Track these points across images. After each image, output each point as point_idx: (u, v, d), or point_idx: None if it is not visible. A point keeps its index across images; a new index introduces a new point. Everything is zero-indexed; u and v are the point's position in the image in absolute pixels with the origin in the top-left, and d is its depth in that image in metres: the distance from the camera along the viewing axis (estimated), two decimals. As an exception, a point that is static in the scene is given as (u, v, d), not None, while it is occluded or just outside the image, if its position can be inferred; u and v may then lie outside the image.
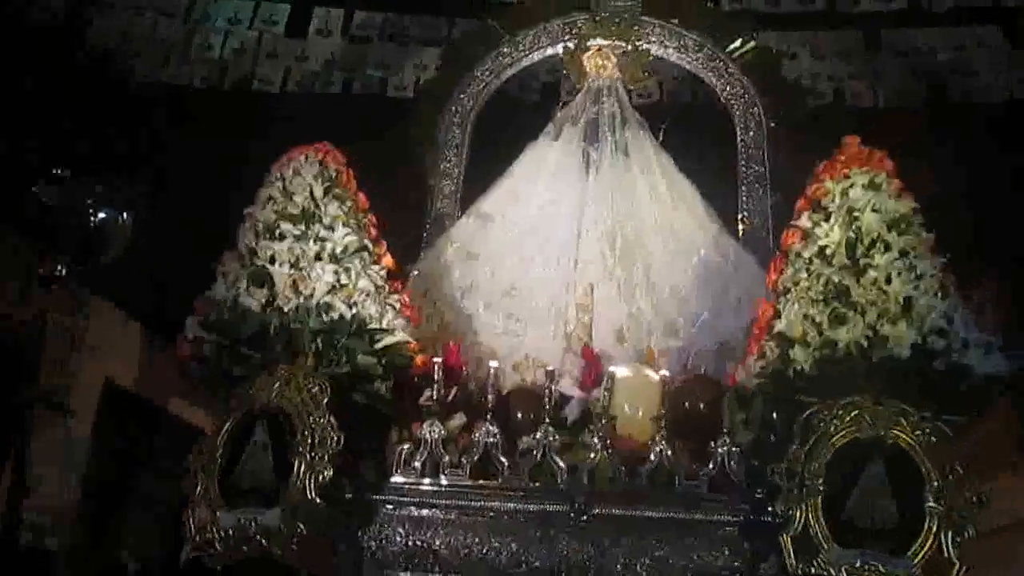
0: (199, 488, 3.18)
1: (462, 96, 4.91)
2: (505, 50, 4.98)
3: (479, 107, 4.93)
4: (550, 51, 4.99)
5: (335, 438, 3.10)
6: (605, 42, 4.82)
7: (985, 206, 5.22)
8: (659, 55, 4.86)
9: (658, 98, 5.83)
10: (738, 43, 4.66)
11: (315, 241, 3.38)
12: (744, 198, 4.54)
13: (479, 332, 4.10)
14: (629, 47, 4.80)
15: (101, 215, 1.75)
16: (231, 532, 3.08)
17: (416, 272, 4.27)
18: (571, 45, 4.82)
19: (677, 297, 4.11)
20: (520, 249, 4.27)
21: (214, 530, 3.09)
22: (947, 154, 5.22)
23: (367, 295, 3.37)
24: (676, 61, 4.90)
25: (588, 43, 4.82)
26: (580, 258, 4.19)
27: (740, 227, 4.48)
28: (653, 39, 4.87)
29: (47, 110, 4.93)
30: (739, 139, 4.67)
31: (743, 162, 4.62)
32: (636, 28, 4.84)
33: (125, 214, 1.81)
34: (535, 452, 3.36)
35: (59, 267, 1.77)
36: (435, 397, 3.49)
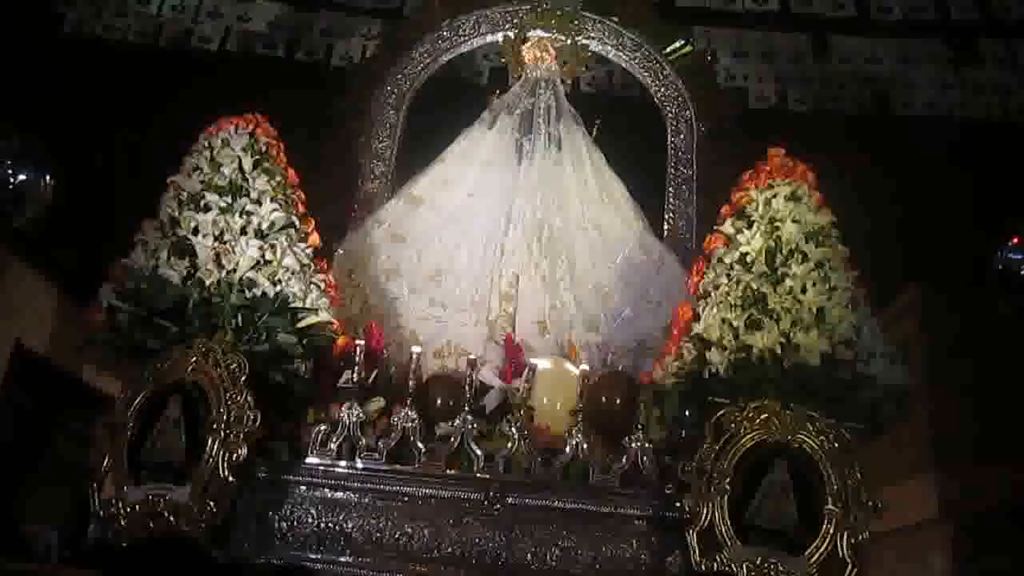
0: (106, 461, 3.09)
1: (399, 77, 4.87)
2: (445, 34, 4.96)
3: (415, 89, 4.89)
4: (490, 38, 4.99)
5: (252, 416, 3.06)
6: (545, 34, 4.85)
7: (912, 219, 5.38)
8: (597, 51, 4.90)
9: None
10: (676, 45, 4.73)
11: (241, 215, 3.32)
12: (671, 200, 4.64)
13: (402, 316, 4.09)
14: (568, 41, 4.83)
15: (21, 175, 1.67)
16: (138, 507, 3.01)
17: (341, 251, 4.23)
18: (511, 34, 4.82)
19: (599, 293, 4.17)
20: (447, 234, 4.27)
21: (120, 505, 3.01)
22: (882, 164, 5.34)
23: (292, 273, 3.33)
24: (613, 59, 4.97)
25: (528, 33, 4.83)
26: (506, 248, 4.21)
27: (665, 228, 4.57)
28: (593, 35, 4.92)
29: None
30: (669, 141, 4.76)
31: (672, 164, 4.71)
32: (576, 22, 4.88)
33: (47, 175, 1.73)
34: (453, 439, 3.38)
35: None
36: (355, 379, 3.47)
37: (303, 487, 3.35)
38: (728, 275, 3.25)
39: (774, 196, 3.34)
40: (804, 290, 3.14)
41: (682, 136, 4.76)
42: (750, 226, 3.32)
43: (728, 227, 3.39)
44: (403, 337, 4.02)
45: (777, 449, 3.03)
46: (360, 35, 5.95)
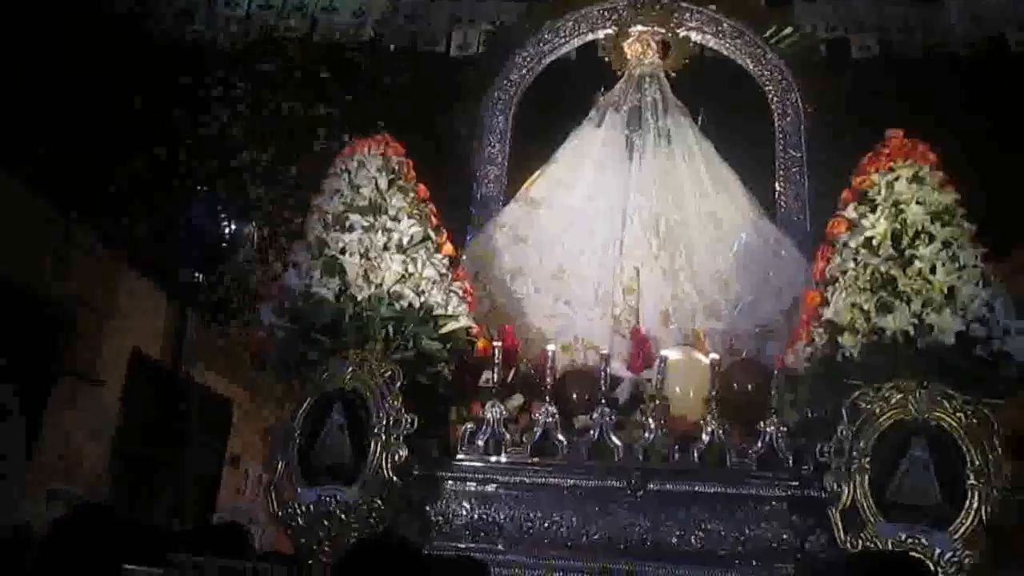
0: (279, 467, 3.37)
1: (505, 82, 5.04)
2: (546, 36, 5.10)
3: (521, 93, 5.05)
4: (590, 37, 5.11)
5: (409, 420, 3.29)
6: (644, 28, 4.94)
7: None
8: (698, 41, 4.97)
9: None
10: (785, 32, 4.76)
11: (383, 232, 3.54)
12: (781, 183, 4.69)
13: (529, 314, 4.28)
14: (668, 33, 4.92)
15: (232, 227, 1.89)
16: (312, 507, 3.28)
17: (465, 256, 4.43)
18: (611, 31, 4.93)
19: (719, 281, 4.27)
20: (567, 233, 4.43)
21: (296, 506, 3.29)
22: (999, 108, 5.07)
23: (433, 283, 3.54)
24: (714, 47, 5.02)
25: (628, 29, 4.94)
26: (625, 242, 4.34)
27: (778, 212, 4.63)
28: (692, 25, 4.98)
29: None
30: (776, 125, 4.81)
31: (780, 147, 4.76)
32: (675, 14, 4.96)
33: (253, 224, 1.94)
34: (591, 431, 3.56)
35: (196, 275, 1.92)
36: (495, 378, 3.68)
37: (456, 482, 3.58)
38: (855, 259, 3.32)
39: (896, 179, 3.38)
40: (933, 271, 3.18)
41: (789, 119, 4.80)
42: (874, 210, 3.37)
43: (851, 212, 3.45)
44: (531, 335, 4.21)
45: (915, 427, 3.10)
46: (446, 17, 5.66)
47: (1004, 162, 4.95)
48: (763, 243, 4.37)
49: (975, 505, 2.99)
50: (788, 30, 4.86)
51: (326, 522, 3.27)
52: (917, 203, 3.30)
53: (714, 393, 3.55)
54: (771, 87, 4.87)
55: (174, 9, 5.70)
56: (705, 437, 3.48)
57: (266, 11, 5.77)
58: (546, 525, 3.49)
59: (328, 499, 3.28)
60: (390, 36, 5.77)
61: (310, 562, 3.20)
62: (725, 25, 4.99)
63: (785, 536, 3.35)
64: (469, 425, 3.62)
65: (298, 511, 3.30)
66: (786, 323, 4.13)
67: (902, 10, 5.37)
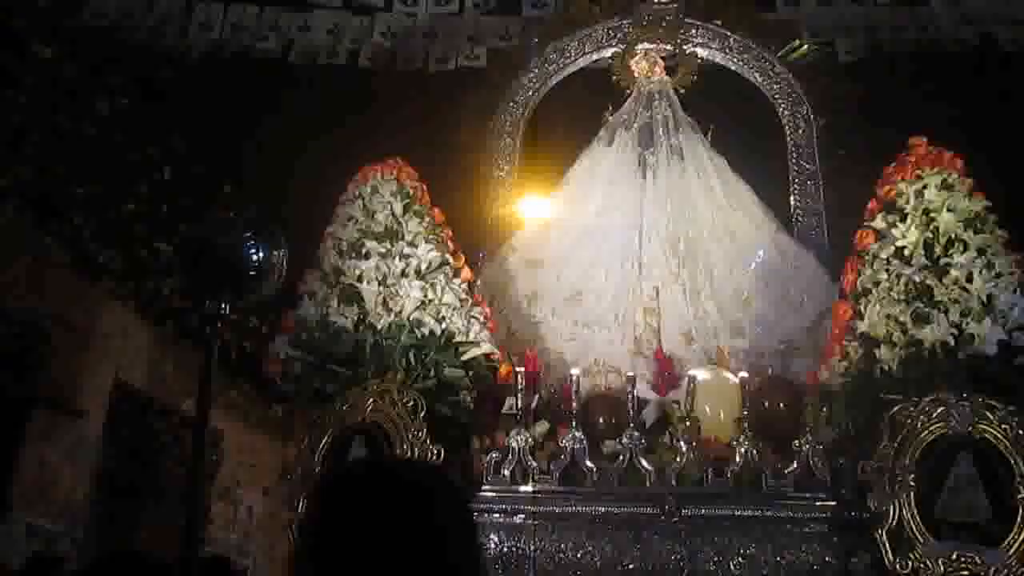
0: (300, 507, 3.24)
1: (511, 104, 4.98)
2: (552, 57, 5.05)
3: (528, 115, 4.99)
4: (595, 56, 5.06)
5: (434, 452, 3.18)
6: (651, 46, 4.89)
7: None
8: (705, 56, 4.92)
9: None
10: (793, 45, 4.72)
11: (400, 258, 3.45)
12: (797, 196, 4.63)
13: (547, 338, 4.18)
14: (675, 50, 4.87)
15: (261, 253, 1.80)
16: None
17: (480, 281, 4.34)
18: (618, 50, 4.88)
19: (740, 298, 4.19)
20: (582, 254, 4.35)
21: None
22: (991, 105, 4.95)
23: (453, 309, 3.44)
24: (721, 62, 4.97)
25: (635, 47, 4.89)
26: (644, 261, 4.26)
27: (795, 226, 4.56)
28: (698, 41, 4.94)
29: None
30: (788, 138, 4.75)
31: (794, 160, 4.70)
32: (681, 31, 4.91)
33: (281, 251, 1.86)
34: (621, 456, 3.45)
35: (223, 306, 1.83)
36: (519, 405, 3.57)
37: (482, 514, 3.45)
38: (887, 270, 3.24)
39: (924, 187, 3.32)
40: (970, 279, 3.11)
41: (801, 131, 4.75)
42: (903, 219, 3.30)
43: (879, 222, 3.37)
44: (550, 359, 4.10)
45: (959, 441, 3.00)
46: (422, 33, 5.61)
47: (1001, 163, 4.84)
48: (782, 258, 4.29)
49: (1027, 520, 2.88)
50: (797, 42, 4.81)
51: None
52: (948, 210, 3.23)
53: (745, 412, 3.45)
54: (781, 100, 4.82)
55: (148, 23, 5.63)
56: (738, 459, 3.37)
57: (240, 32, 5.70)
58: (578, 556, 3.37)
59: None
60: (367, 55, 5.71)
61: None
62: (731, 40, 4.95)
63: (828, 559, 3.23)
64: (494, 454, 3.50)
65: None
66: (810, 338, 4.05)
67: (889, 12, 5.34)
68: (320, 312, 3.41)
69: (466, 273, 3.68)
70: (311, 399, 3.46)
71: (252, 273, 1.93)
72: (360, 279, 3.41)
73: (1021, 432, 2.97)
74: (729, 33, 4.95)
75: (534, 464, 3.48)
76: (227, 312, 1.92)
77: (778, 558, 3.26)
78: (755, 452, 3.37)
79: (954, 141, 3.66)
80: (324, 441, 3.32)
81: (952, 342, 3.05)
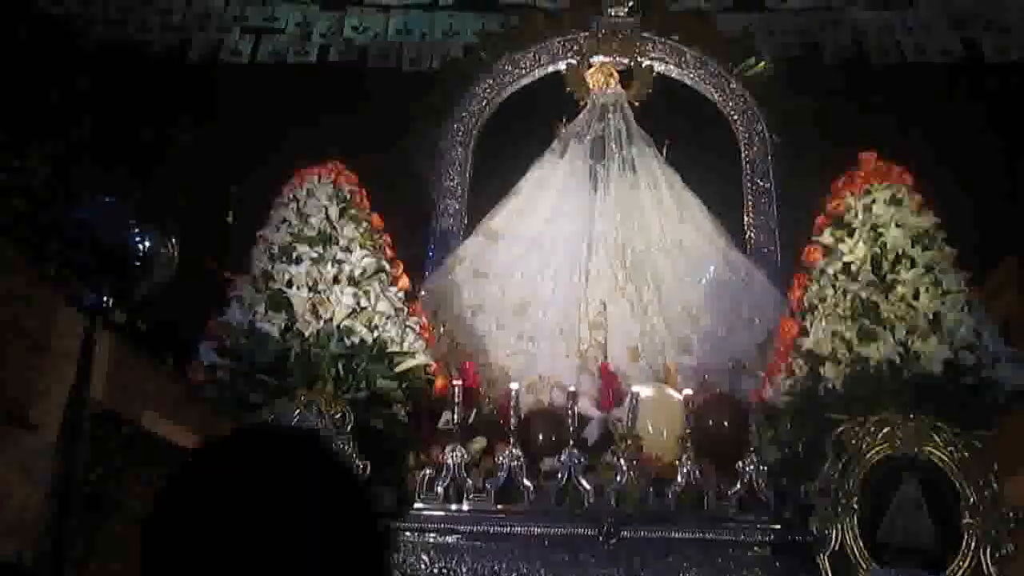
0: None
1: (464, 115, 4.87)
2: (506, 68, 4.96)
3: (480, 125, 4.89)
4: (551, 68, 4.97)
5: (361, 465, 3.03)
6: (607, 59, 4.82)
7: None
8: (661, 71, 4.86)
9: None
10: (749, 63, 4.67)
11: (333, 264, 3.31)
12: (750, 213, 4.55)
13: (491, 352, 4.05)
14: (631, 63, 4.80)
15: (147, 243, 1.66)
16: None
17: (424, 292, 4.20)
18: (573, 62, 4.80)
19: (689, 314, 4.09)
20: (529, 267, 4.23)
21: None
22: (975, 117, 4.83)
23: (387, 318, 3.30)
24: (677, 77, 4.90)
25: (590, 60, 4.81)
26: (591, 275, 4.15)
27: (747, 242, 4.48)
28: (654, 55, 4.88)
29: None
30: (743, 154, 4.69)
31: (748, 177, 4.64)
32: (637, 44, 4.85)
33: (172, 242, 1.71)
34: (560, 474, 3.32)
35: (106, 299, 1.68)
36: (455, 420, 3.43)
37: (414, 533, 3.31)
38: (833, 286, 3.15)
39: (873, 201, 3.24)
40: (917, 296, 3.03)
41: (755, 148, 4.69)
42: (851, 234, 3.22)
43: (827, 237, 3.29)
44: (493, 373, 3.97)
45: (904, 463, 2.91)
46: (395, 30, 5.45)
47: (981, 175, 4.77)
48: (733, 274, 4.20)
49: (972, 546, 2.79)
50: (752, 60, 4.76)
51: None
52: (897, 226, 3.16)
53: (688, 431, 3.33)
54: (736, 116, 4.76)
55: (108, 16, 5.45)
56: (680, 479, 3.25)
57: (206, 23, 5.52)
58: (512, 578, 3.23)
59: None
60: (336, 52, 5.56)
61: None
62: (688, 55, 4.89)
63: (769, 584, 3.12)
64: (428, 471, 3.35)
65: None
66: (760, 357, 3.95)
67: (875, 16, 5.28)
68: (247, 318, 3.25)
69: (404, 281, 3.55)
70: (237, 409, 3.29)
71: (136, 264, 1.78)
72: (289, 284, 3.26)
73: (967, 454, 2.89)
74: (685, 48, 4.90)
75: (469, 482, 3.33)
76: (109, 305, 1.76)
77: (718, 582, 3.14)
78: (698, 472, 3.25)
79: (915, 155, 3.60)
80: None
81: (898, 360, 2.96)
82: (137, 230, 1.77)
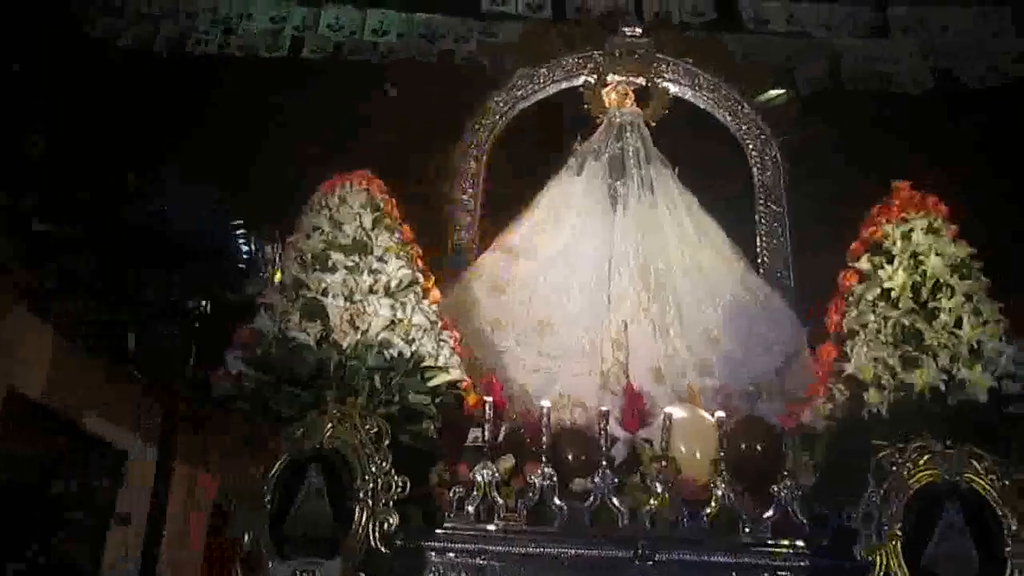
0: (246, 537, 2.95)
1: (477, 128, 4.83)
2: (520, 82, 4.93)
3: (494, 139, 4.85)
4: (565, 84, 4.97)
5: (399, 483, 2.93)
6: (622, 78, 4.82)
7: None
8: (675, 93, 4.88)
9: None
10: (771, 94, 4.71)
11: (368, 273, 3.22)
12: (763, 237, 4.58)
13: (510, 368, 3.99)
14: (646, 84, 4.81)
15: (252, 247, 1.58)
16: (287, 584, 2.86)
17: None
18: (591, 79, 4.80)
19: (709, 336, 4.08)
20: (550, 283, 4.19)
21: (266, 582, 2.87)
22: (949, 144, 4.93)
23: (423, 331, 3.22)
24: (691, 99, 4.93)
25: (606, 78, 4.81)
26: (613, 294, 4.12)
27: (760, 266, 4.50)
28: (669, 76, 4.90)
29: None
30: (756, 179, 4.72)
31: (761, 201, 4.67)
32: (653, 65, 4.86)
33: (274, 246, 1.64)
34: (592, 495, 3.26)
35: (203, 303, 1.59)
36: (485, 438, 3.36)
37: (442, 553, 3.22)
38: (874, 312, 3.16)
39: (911, 230, 3.26)
40: (959, 324, 3.05)
41: (768, 173, 4.73)
42: (890, 261, 3.23)
43: (864, 263, 3.30)
44: (513, 390, 3.91)
45: (946, 490, 2.91)
46: (371, 29, 5.41)
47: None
48: (751, 297, 4.21)
49: (1015, 574, 2.80)
50: (782, 96, 4.81)
51: (302, 601, 2.86)
52: (936, 254, 3.18)
53: (722, 454, 3.31)
54: (749, 141, 4.80)
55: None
56: (714, 502, 3.22)
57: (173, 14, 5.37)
58: (545, 599, 3.16)
59: (305, 574, 2.87)
60: (311, 45, 5.46)
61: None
62: (701, 78, 4.93)
63: (806, 609, 3.10)
64: (458, 489, 3.27)
65: (269, 588, 2.87)
66: (777, 381, 3.97)
67: (852, 43, 5.35)
68: (279, 326, 3.14)
69: (435, 294, 3.47)
70: (261, 421, 3.17)
71: (242, 267, 1.68)
72: (325, 293, 3.16)
73: (1007, 483, 2.90)
74: (699, 71, 4.93)
75: (500, 501, 3.26)
76: (207, 311, 1.67)
77: (755, 607, 3.11)
78: (731, 495, 3.23)
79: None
80: (277, 467, 3.04)
81: (942, 387, 2.98)
82: (242, 231, 1.68)
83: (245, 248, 1.55)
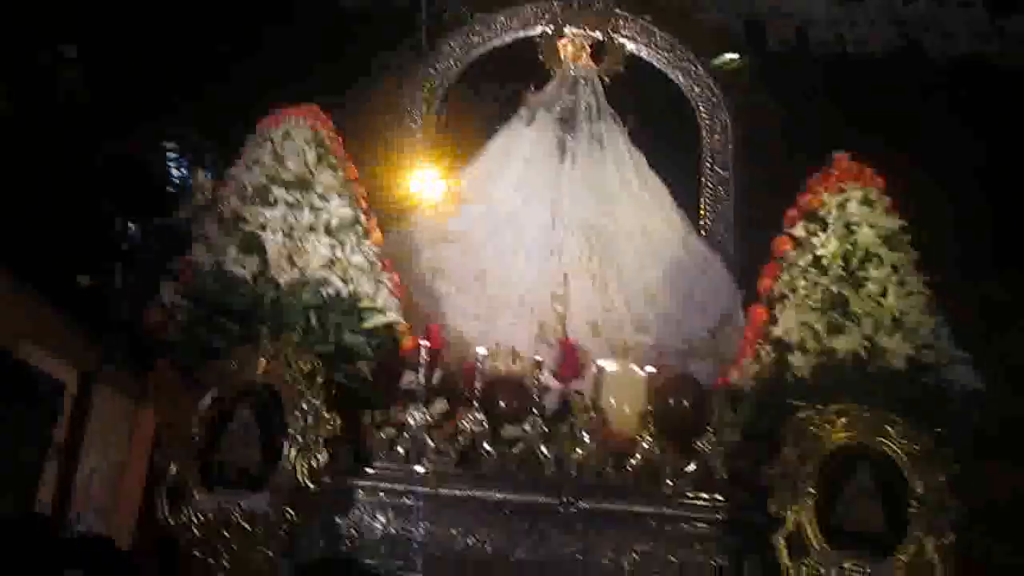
0: (171, 470, 2.95)
1: (432, 72, 4.77)
2: (477, 28, 4.88)
3: (448, 84, 4.80)
4: (522, 33, 4.92)
5: (330, 420, 2.95)
6: (579, 31, 4.79)
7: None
8: (632, 50, 4.86)
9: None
10: (725, 59, 4.72)
11: (310, 210, 3.19)
12: (708, 201, 4.63)
13: (448, 315, 4.00)
14: (603, 38, 4.79)
15: (182, 172, 1.54)
16: (211, 516, 2.88)
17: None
18: (548, 30, 4.76)
19: (647, 294, 4.13)
20: (493, 233, 4.19)
21: (191, 514, 2.88)
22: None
23: (361, 271, 3.22)
24: (647, 57, 4.92)
25: (563, 30, 4.78)
26: (555, 247, 4.15)
27: (702, 229, 4.56)
28: (626, 33, 4.87)
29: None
30: (704, 142, 4.76)
31: (708, 165, 4.71)
32: (610, 20, 4.84)
33: (207, 172, 1.60)
34: (521, 442, 3.32)
35: (130, 226, 1.56)
36: (420, 381, 3.38)
37: (371, 492, 3.26)
38: (805, 277, 3.24)
39: (847, 200, 3.34)
40: (884, 294, 3.14)
41: (717, 137, 4.76)
42: (824, 229, 3.31)
43: (799, 230, 3.38)
44: (450, 337, 3.93)
45: (860, 452, 3.03)
46: None
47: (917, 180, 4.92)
48: (691, 259, 4.27)
49: (917, 534, 2.93)
50: (736, 61, 4.82)
51: (225, 533, 2.87)
52: (869, 225, 3.27)
53: (650, 408, 3.39)
54: (701, 103, 4.82)
55: None
56: (640, 454, 3.31)
57: None
58: (468, 543, 3.23)
59: (230, 507, 2.88)
60: None
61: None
62: (658, 37, 4.92)
63: (720, 560, 3.22)
64: (389, 430, 3.30)
65: (194, 520, 2.88)
66: (711, 341, 4.05)
67: (821, 6, 5.37)
68: (215, 260, 3.11)
69: (377, 235, 3.46)
70: (196, 356, 3.15)
71: (172, 191, 1.66)
72: (264, 228, 3.12)
73: (917, 448, 3.03)
74: (657, 30, 4.92)
75: (431, 444, 3.30)
76: (136, 233, 1.65)
77: (671, 556, 3.22)
78: (657, 449, 3.31)
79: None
80: (206, 401, 3.03)
81: (863, 354, 3.08)
82: (174, 155, 1.65)
83: (176, 172, 1.52)
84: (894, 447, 3.02)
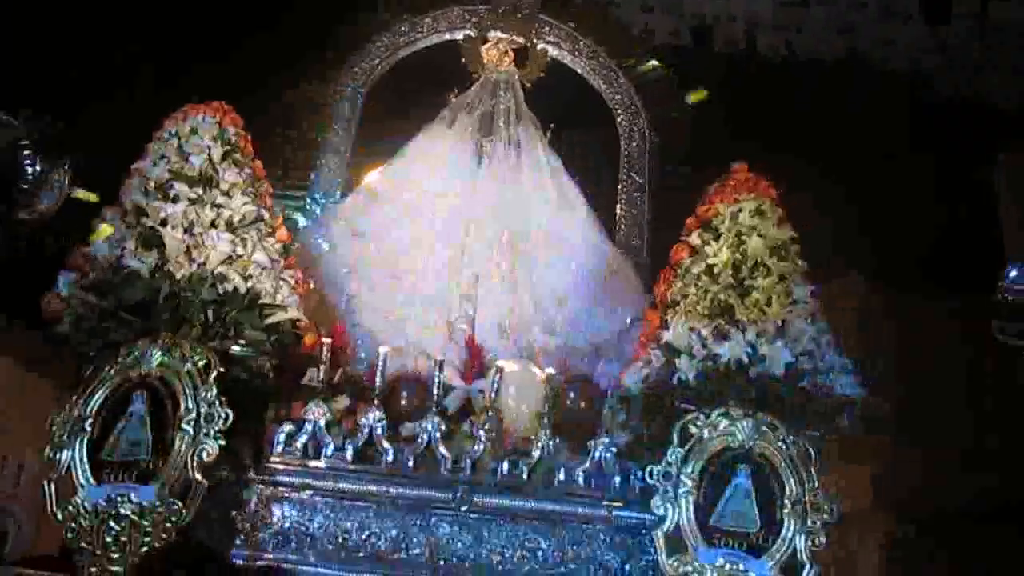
0: (62, 460, 2.96)
1: (355, 71, 4.81)
2: (403, 29, 4.93)
3: (371, 84, 4.85)
4: (447, 36, 4.98)
5: (223, 414, 2.99)
6: (503, 35, 4.87)
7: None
8: (554, 56, 4.95)
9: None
10: (648, 66, 4.83)
11: (211, 207, 3.22)
12: (623, 206, 4.74)
13: (360, 313, 4.05)
14: (526, 43, 4.88)
15: (38, 166, 1.56)
16: (98, 507, 2.90)
17: (297, 245, 4.15)
18: (472, 33, 4.83)
19: (556, 296, 4.23)
20: (407, 232, 4.25)
21: (79, 505, 2.90)
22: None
23: (262, 268, 3.26)
24: (569, 64, 5.02)
25: (487, 34, 4.85)
26: (467, 248, 4.22)
27: (617, 234, 4.67)
28: (550, 39, 4.97)
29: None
30: (623, 148, 4.86)
31: (624, 171, 4.82)
32: (535, 25, 4.92)
33: (65, 165, 1.62)
34: (419, 439, 3.39)
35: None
36: (321, 378, 3.43)
37: (267, 486, 3.30)
38: (696, 285, 3.36)
39: (740, 211, 3.46)
40: (769, 303, 3.27)
41: (635, 143, 4.88)
42: (717, 238, 3.42)
43: (695, 238, 3.49)
44: (361, 335, 3.98)
45: (741, 455, 3.15)
46: None
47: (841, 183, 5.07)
48: (601, 263, 4.37)
49: (789, 535, 3.06)
50: (650, 64, 4.93)
51: (114, 524, 2.90)
52: (758, 236, 3.39)
53: (547, 408, 3.47)
54: (620, 111, 4.93)
55: None
56: (535, 453, 3.39)
57: None
58: (363, 537, 3.28)
59: (119, 499, 2.91)
60: None
61: (92, 569, 2.81)
62: (582, 44, 5.02)
63: (608, 558, 3.31)
64: (288, 425, 3.35)
65: (81, 511, 2.90)
66: (619, 344, 4.15)
67: (768, 10, 5.50)
68: (115, 253, 3.13)
69: (282, 233, 3.50)
70: (96, 347, 3.17)
71: (25, 186, 1.69)
72: (164, 223, 3.15)
73: (794, 452, 3.15)
74: (580, 37, 5.02)
75: (329, 439, 3.35)
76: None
77: (561, 553, 3.31)
78: (552, 448, 3.40)
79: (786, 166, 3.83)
80: (101, 392, 3.04)
81: (746, 360, 3.20)
82: (28, 152, 1.68)
83: (30, 168, 1.55)
84: (772, 450, 3.15)
